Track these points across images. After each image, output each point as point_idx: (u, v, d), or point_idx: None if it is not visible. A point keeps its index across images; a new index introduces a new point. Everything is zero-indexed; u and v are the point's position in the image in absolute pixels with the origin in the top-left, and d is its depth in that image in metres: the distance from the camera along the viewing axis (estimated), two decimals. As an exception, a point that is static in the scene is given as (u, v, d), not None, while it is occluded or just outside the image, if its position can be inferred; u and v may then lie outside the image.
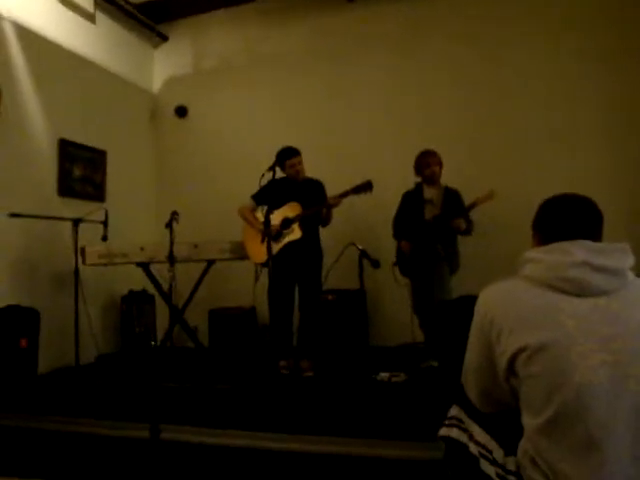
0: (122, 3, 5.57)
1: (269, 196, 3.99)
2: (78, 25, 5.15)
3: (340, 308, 4.68)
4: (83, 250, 4.35)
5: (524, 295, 1.35)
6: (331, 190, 4.09)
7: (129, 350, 5.00)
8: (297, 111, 5.54)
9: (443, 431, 1.54)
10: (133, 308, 5.10)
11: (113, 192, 5.35)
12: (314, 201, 4.02)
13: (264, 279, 4.01)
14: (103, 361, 4.74)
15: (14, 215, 3.97)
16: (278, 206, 4.04)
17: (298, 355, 3.98)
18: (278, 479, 2.59)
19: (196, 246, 4.66)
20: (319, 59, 5.51)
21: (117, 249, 4.49)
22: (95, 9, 5.32)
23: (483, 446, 1.43)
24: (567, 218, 1.41)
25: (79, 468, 2.80)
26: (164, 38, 6.20)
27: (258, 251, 3.98)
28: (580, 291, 1.29)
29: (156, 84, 6.25)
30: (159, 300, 5.03)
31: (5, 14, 4.35)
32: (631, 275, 1.33)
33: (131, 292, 5.15)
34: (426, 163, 4.08)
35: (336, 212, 4.12)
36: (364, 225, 5.04)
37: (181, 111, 6.05)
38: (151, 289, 4.97)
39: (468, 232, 4.02)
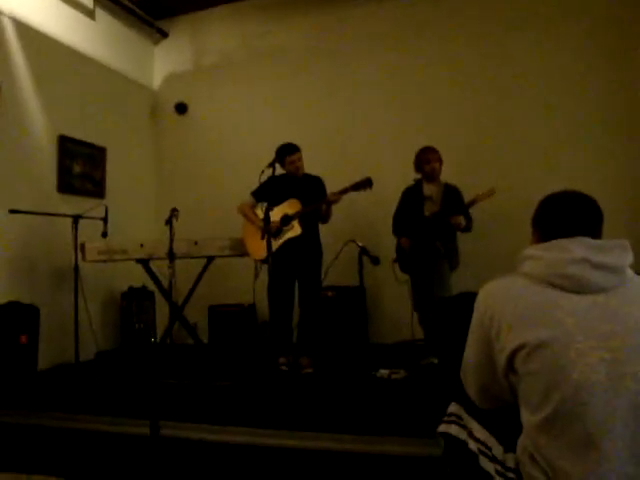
0: (122, -1, 5.57)
1: (269, 193, 4.00)
2: (78, 21, 5.14)
3: (340, 305, 4.69)
4: (83, 246, 4.35)
5: (523, 292, 1.35)
6: (331, 187, 4.09)
7: (129, 347, 5.00)
8: (297, 108, 5.53)
9: (442, 428, 1.54)
10: (133, 305, 5.10)
11: (113, 189, 5.34)
12: (314, 198, 4.02)
13: (264, 276, 4.01)
14: (103, 357, 4.75)
15: (14, 211, 3.98)
16: (278, 203, 4.04)
17: (298, 352, 3.98)
18: (277, 475, 2.60)
19: (196, 243, 4.66)
20: (319, 56, 5.50)
21: (117, 245, 4.49)
22: (95, 5, 5.32)
23: (482, 443, 1.43)
24: (567, 215, 1.41)
25: (79, 464, 2.80)
26: (164, 34, 6.19)
27: (258, 248, 3.98)
28: (579, 288, 1.29)
29: (156, 80, 6.25)
30: (159, 297, 5.03)
31: (5, 10, 4.34)
32: (630, 272, 1.33)
33: (131, 289, 5.15)
34: (426, 160, 4.08)
35: (336, 209, 4.12)
36: (364, 222, 5.04)
37: (181, 108, 6.05)
38: (151, 286, 4.97)
39: (468, 229, 4.02)
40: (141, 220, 5.70)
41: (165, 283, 4.41)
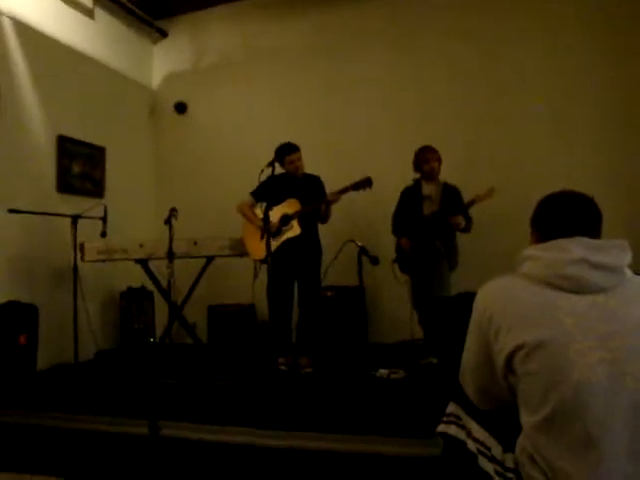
0: (121, -1, 5.57)
1: (268, 192, 4.00)
2: (77, 21, 5.14)
3: (339, 305, 4.69)
4: (82, 246, 4.35)
5: (522, 293, 1.35)
6: (330, 186, 4.09)
7: (128, 346, 5.00)
8: (296, 107, 5.54)
9: (441, 428, 1.54)
10: (132, 304, 5.10)
11: (112, 188, 5.34)
12: (313, 197, 4.02)
13: (263, 276, 4.01)
14: (102, 357, 4.74)
15: (13, 211, 3.97)
16: (277, 202, 4.04)
17: (297, 352, 3.98)
18: (277, 476, 2.60)
19: (195, 242, 4.65)
20: (318, 55, 5.50)
21: (116, 245, 4.49)
22: (94, 5, 5.32)
23: (481, 443, 1.43)
24: (565, 215, 1.40)
25: (78, 464, 2.80)
26: (163, 34, 6.18)
27: (257, 247, 3.98)
28: (578, 288, 1.29)
29: (155, 80, 6.24)
30: (158, 296, 5.03)
31: (4, 10, 4.34)
32: (629, 272, 1.33)
33: (130, 288, 5.15)
34: (425, 159, 4.08)
35: (335, 209, 4.12)
36: (363, 222, 5.04)
37: (180, 107, 6.04)
38: (150, 285, 4.97)
39: (467, 229, 4.02)
40: (140, 220, 5.70)
41: (164, 283, 4.40)
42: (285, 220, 4.02)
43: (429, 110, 5.09)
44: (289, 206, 4.03)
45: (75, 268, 4.21)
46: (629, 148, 4.48)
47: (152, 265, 4.68)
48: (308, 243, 4.05)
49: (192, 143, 5.96)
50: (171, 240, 4.14)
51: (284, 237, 4.02)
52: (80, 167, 5.03)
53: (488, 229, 4.41)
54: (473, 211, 3.99)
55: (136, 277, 5.02)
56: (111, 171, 5.36)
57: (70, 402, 3.36)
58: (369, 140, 5.25)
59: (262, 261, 4.02)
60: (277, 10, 5.67)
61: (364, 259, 3.89)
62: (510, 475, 1.34)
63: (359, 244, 3.92)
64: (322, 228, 4.20)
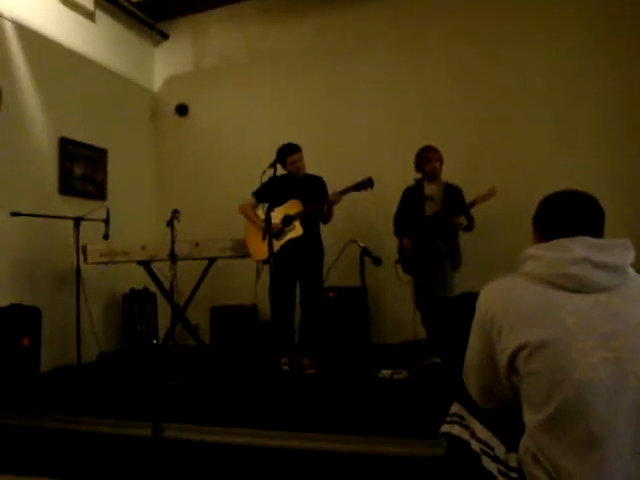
0: (122, 1, 5.57)
1: (270, 193, 3.99)
2: (78, 24, 5.15)
3: (341, 305, 4.69)
4: (84, 248, 4.35)
5: (524, 292, 1.35)
6: (331, 187, 4.10)
7: (131, 348, 5.01)
8: (297, 109, 5.54)
9: (444, 428, 1.54)
10: (135, 306, 5.11)
11: (114, 190, 5.35)
12: (315, 198, 4.02)
13: (265, 277, 4.01)
14: (105, 359, 4.74)
15: (15, 214, 3.98)
16: (279, 203, 4.04)
17: (299, 352, 3.97)
18: (280, 477, 2.60)
19: (197, 244, 4.66)
20: (319, 57, 5.50)
21: (118, 247, 4.49)
22: (95, 7, 5.32)
23: (485, 443, 1.43)
24: (568, 214, 1.40)
25: (81, 466, 2.81)
26: (164, 36, 6.19)
27: (259, 248, 3.98)
28: (580, 288, 1.29)
29: (156, 82, 6.25)
30: (161, 298, 5.03)
31: (5, 13, 4.35)
32: (632, 271, 1.33)
33: (132, 290, 5.16)
34: (427, 159, 4.08)
35: (337, 209, 4.12)
36: (365, 222, 5.04)
37: (182, 109, 6.05)
38: (152, 287, 4.97)
39: (469, 229, 4.02)
40: (142, 222, 5.70)
41: (167, 285, 4.41)
42: (287, 221, 4.02)
43: (431, 112, 5.08)
44: (291, 207, 4.03)
45: (78, 270, 4.22)
46: (631, 150, 4.47)
47: (154, 267, 4.68)
48: (310, 244, 4.06)
49: (193, 145, 5.97)
50: (173, 242, 4.14)
51: (286, 238, 4.03)
52: (82, 169, 5.04)
53: (491, 229, 4.41)
54: (475, 211, 3.99)
55: (138, 279, 5.03)
56: (113, 173, 5.37)
57: (73, 404, 3.37)
58: (371, 142, 5.25)
59: (264, 262, 4.03)
60: (278, 12, 5.67)
61: (366, 260, 3.89)
62: (513, 475, 1.34)
63: (361, 245, 3.92)
64: (324, 229, 4.21)
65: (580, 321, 1.25)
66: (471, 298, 1.57)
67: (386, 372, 3.66)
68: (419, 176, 4.19)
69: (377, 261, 3.87)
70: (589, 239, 1.34)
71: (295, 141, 4.12)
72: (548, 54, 4.79)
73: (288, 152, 4.03)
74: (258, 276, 4.13)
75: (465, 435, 1.48)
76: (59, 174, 4.81)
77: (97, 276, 4.83)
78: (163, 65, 6.24)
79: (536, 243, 1.46)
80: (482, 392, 1.48)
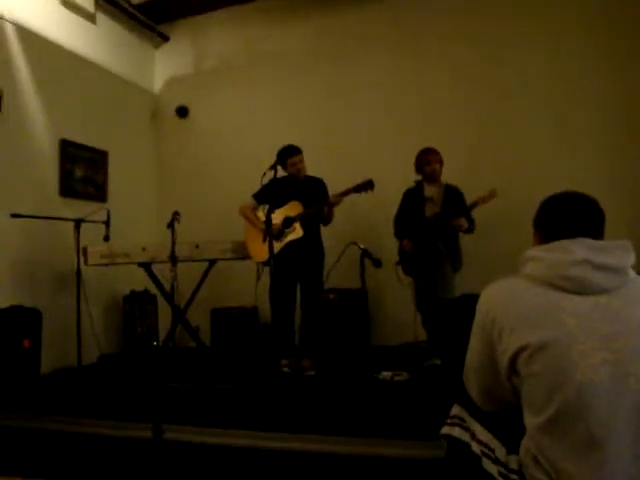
0: (123, 3, 5.58)
1: (270, 195, 3.99)
2: (79, 26, 5.15)
3: (342, 307, 4.69)
4: (85, 250, 4.35)
5: (525, 294, 1.35)
6: (332, 189, 4.10)
7: (131, 350, 5.00)
8: (298, 111, 5.54)
9: (445, 430, 1.54)
10: (135, 308, 5.10)
11: (115, 192, 5.35)
12: (316, 200, 4.02)
13: (266, 278, 4.01)
14: (105, 361, 4.74)
15: (16, 216, 3.98)
16: (279, 205, 4.04)
17: (300, 354, 3.97)
18: (280, 479, 2.59)
19: (198, 246, 4.66)
20: (319, 59, 5.51)
21: (119, 249, 4.49)
22: (96, 10, 5.32)
23: (485, 445, 1.43)
24: (568, 216, 1.40)
25: (82, 468, 2.81)
26: (165, 38, 6.20)
27: (260, 250, 3.98)
28: (581, 289, 1.29)
29: (157, 84, 6.26)
30: (161, 300, 5.03)
31: (6, 15, 4.36)
32: (632, 273, 1.33)
33: (133, 292, 5.16)
34: (427, 161, 4.08)
35: (337, 211, 4.12)
36: (365, 224, 5.04)
37: (182, 111, 6.05)
38: (153, 289, 4.98)
39: (470, 230, 4.02)
40: (143, 224, 5.71)
41: (167, 286, 4.40)
42: (287, 222, 4.02)
43: (431, 114, 5.09)
44: (291, 208, 4.03)
45: (78, 272, 4.23)
46: (631, 152, 4.47)
47: (155, 269, 4.68)
48: (310, 245, 4.06)
49: (194, 147, 5.97)
50: (174, 244, 4.14)
51: (287, 239, 4.03)
52: (83, 171, 5.05)
53: (491, 230, 4.41)
54: (476, 213, 3.99)
55: (139, 281, 5.03)
56: (113, 175, 5.37)
57: (73, 406, 3.37)
58: (371, 143, 5.25)
59: (265, 263, 4.03)
60: (279, 14, 5.68)
61: (367, 261, 3.88)
62: (514, 477, 1.34)
63: (361, 246, 3.91)
64: (324, 230, 4.21)
65: (581, 322, 1.25)
66: (472, 300, 1.57)
67: (386, 374, 3.66)
68: (419, 178, 4.19)
69: (377, 263, 3.87)
70: (590, 241, 1.34)
71: (296, 142, 4.12)
72: (548, 56, 4.79)
73: (289, 154, 4.03)
74: (258, 278, 4.13)
75: (466, 437, 1.48)
76: (60, 176, 4.81)
77: (97, 278, 4.83)
78: (163, 67, 6.24)
79: (537, 245, 1.46)
80: (483, 394, 1.48)
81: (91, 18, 5.30)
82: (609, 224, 1.43)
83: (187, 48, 6.14)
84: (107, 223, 4.25)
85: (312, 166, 4.19)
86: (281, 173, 3.91)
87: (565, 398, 1.21)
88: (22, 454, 2.98)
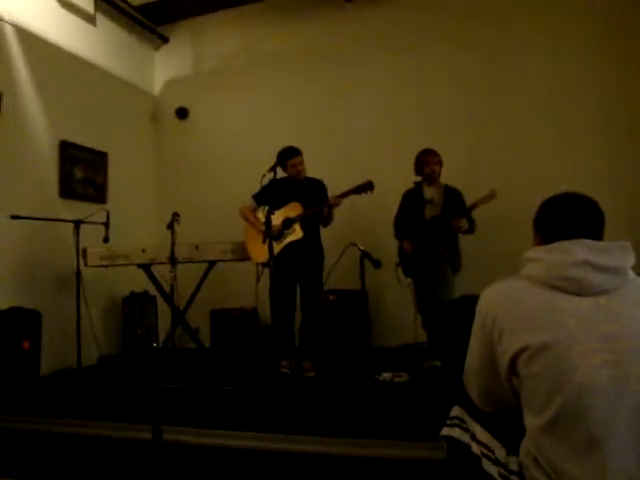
0: (122, 5, 5.58)
1: (270, 196, 3.99)
2: (78, 27, 5.16)
3: (342, 308, 4.69)
4: (85, 252, 4.35)
5: (525, 295, 1.35)
6: (332, 190, 4.10)
7: (131, 351, 5.00)
8: (297, 111, 5.54)
9: (445, 431, 1.54)
10: (135, 309, 5.10)
11: (114, 194, 5.35)
12: (315, 201, 4.02)
13: (265, 279, 4.00)
14: (105, 363, 4.74)
15: (15, 217, 3.98)
16: (279, 206, 4.04)
17: (300, 355, 3.98)
18: (280, 480, 2.60)
19: (197, 247, 4.66)
20: (319, 60, 5.51)
21: (119, 250, 4.49)
22: (95, 11, 5.33)
23: (485, 446, 1.43)
24: (568, 217, 1.40)
25: (81, 470, 2.80)
26: (164, 40, 6.20)
27: (259, 251, 3.97)
28: (580, 290, 1.29)
29: (157, 86, 6.26)
30: (161, 301, 5.03)
31: (6, 16, 4.36)
32: (632, 274, 1.33)
33: (133, 293, 5.16)
34: (426, 162, 4.08)
35: (337, 212, 4.12)
36: (365, 225, 5.04)
37: (182, 112, 6.06)
38: (153, 290, 4.97)
39: (471, 231, 4.02)
40: (143, 225, 5.71)
41: (167, 288, 4.40)
42: (287, 223, 4.02)
43: (431, 114, 5.09)
44: (291, 210, 4.03)
45: (78, 273, 4.23)
46: (631, 152, 4.48)
47: (155, 270, 4.68)
48: (310, 247, 4.05)
49: (193, 148, 5.97)
50: (173, 245, 4.14)
51: (286, 241, 4.02)
52: (82, 172, 5.05)
53: (491, 231, 4.41)
54: (476, 214, 3.99)
55: (139, 282, 5.02)
56: (113, 176, 5.37)
57: (73, 407, 3.36)
58: (371, 144, 5.26)
59: (264, 265, 4.03)
60: (278, 15, 5.68)
61: (366, 262, 3.88)
62: (514, 478, 1.34)
63: (361, 247, 3.91)
64: (324, 232, 4.21)
65: (581, 323, 1.25)
66: (471, 301, 1.57)
67: (387, 375, 3.66)
68: (418, 179, 4.19)
69: (377, 264, 3.87)
70: (589, 242, 1.34)
71: (295, 143, 4.12)
72: (548, 57, 4.80)
73: (288, 155, 4.03)
74: (258, 279, 4.13)
75: (466, 438, 1.48)
76: (59, 177, 4.82)
77: (97, 279, 4.83)
78: (163, 68, 6.25)
79: (536, 245, 1.46)
80: (483, 395, 1.47)
81: (91, 19, 5.30)
82: (609, 225, 1.43)
83: (187, 49, 6.14)
84: (107, 224, 4.25)
85: (312, 167, 4.19)
86: (281, 174, 3.90)
87: (565, 399, 1.21)
88: (22, 456, 2.98)
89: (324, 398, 3.30)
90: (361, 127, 5.31)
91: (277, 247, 3.94)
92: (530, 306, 1.32)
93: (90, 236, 4.29)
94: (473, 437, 1.46)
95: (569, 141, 4.67)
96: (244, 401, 3.31)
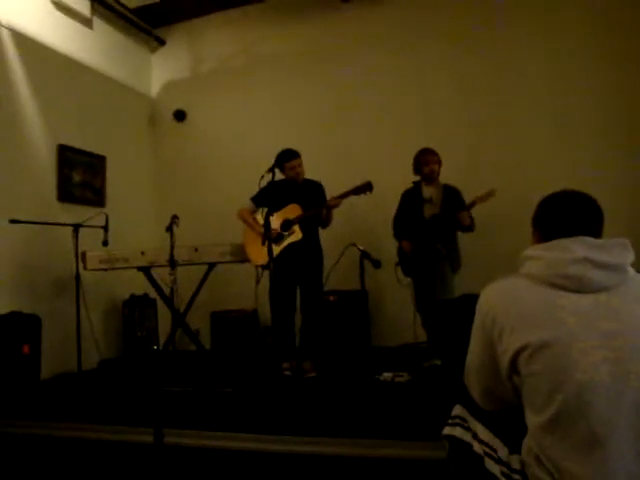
0: (119, 8, 5.58)
1: (269, 198, 3.99)
2: (75, 30, 5.15)
3: (342, 309, 4.69)
4: (84, 255, 4.34)
5: (525, 293, 1.34)
6: (331, 191, 4.10)
7: (131, 355, 5.00)
8: (296, 112, 5.54)
9: (447, 430, 1.53)
10: (135, 312, 5.10)
11: (113, 197, 5.35)
12: (314, 203, 4.02)
13: (265, 281, 4.00)
14: (105, 366, 4.74)
15: (14, 221, 3.97)
16: (278, 208, 4.04)
17: (300, 356, 3.97)
18: (282, 481, 2.59)
19: (197, 249, 4.66)
20: (318, 60, 5.51)
21: (118, 254, 4.48)
22: (92, 14, 5.33)
23: (487, 445, 1.43)
24: (567, 215, 1.40)
25: (83, 474, 2.80)
26: (161, 42, 6.20)
27: (259, 253, 3.97)
28: (580, 287, 1.29)
29: (154, 88, 6.26)
30: (161, 304, 5.02)
31: (2, 21, 4.35)
32: (632, 271, 1.33)
33: (132, 296, 5.15)
34: (425, 161, 4.08)
35: (336, 213, 4.12)
36: (364, 226, 5.04)
37: (179, 115, 6.06)
38: (152, 293, 4.96)
39: (470, 229, 4.01)
40: (142, 228, 5.70)
41: (167, 290, 4.40)
42: (286, 225, 4.02)
43: (431, 114, 5.09)
44: (290, 211, 4.03)
45: (77, 277, 4.22)
46: (630, 152, 4.48)
47: (154, 272, 4.68)
48: (309, 248, 4.05)
49: (192, 150, 5.97)
50: (172, 247, 4.14)
51: (286, 242, 4.02)
52: (81, 176, 5.04)
53: (490, 230, 4.42)
54: (475, 212, 3.99)
55: (138, 285, 5.02)
56: (111, 179, 5.37)
57: (74, 411, 3.36)
58: (371, 144, 5.26)
59: (264, 267, 4.02)
60: (276, 16, 5.68)
61: (366, 263, 3.88)
62: (516, 477, 1.34)
63: (361, 248, 3.91)
64: (323, 233, 4.20)
65: (581, 320, 1.25)
66: (471, 300, 1.56)
67: (387, 375, 3.66)
68: (417, 178, 4.19)
69: (377, 264, 3.87)
70: (589, 239, 1.34)
71: (294, 144, 4.12)
72: (548, 56, 4.80)
73: (287, 158, 4.02)
74: (258, 281, 4.13)
75: (467, 437, 1.47)
76: (58, 181, 4.81)
77: (97, 282, 4.83)
78: (160, 71, 6.25)
79: (535, 243, 1.45)
80: (484, 394, 1.47)
81: (87, 23, 5.30)
82: (608, 224, 1.43)
83: (184, 52, 6.14)
84: (106, 228, 4.25)
85: (312, 167, 4.19)
86: (279, 176, 3.90)
87: (566, 397, 1.21)
88: (23, 461, 2.97)
89: (325, 399, 3.30)
90: (360, 127, 5.32)
91: (276, 249, 3.94)
92: (530, 304, 1.32)
93: (89, 240, 4.29)
94: (475, 436, 1.46)
95: (569, 141, 4.67)
96: (245, 403, 3.31)
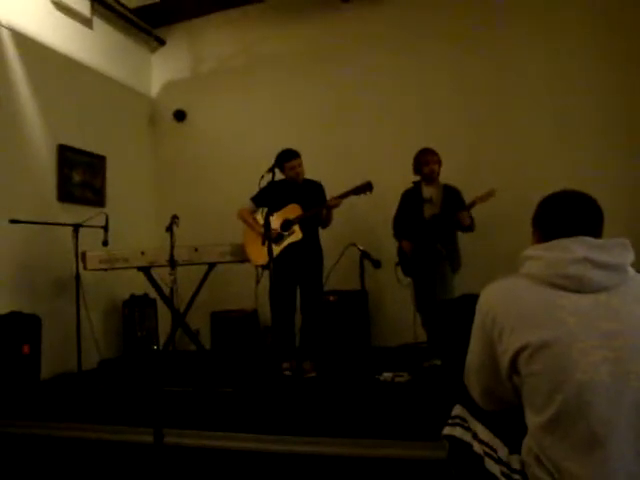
0: (119, 8, 5.58)
1: (269, 198, 3.99)
2: (75, 30, 5.15)
3: (342, 309, 4.69)
4: (84, 255, 4.34)
5: (525, 293, 1.34)
6: (331, 191, 4.09)
7: (131, 355, 5.00)
8: (296, 112, 5.54)
9: (447, 430, 1.53)
10: (135, 312, 5.10)
11: (113, 197, 5.35)
12: (314, 203, 4.02)
13: (265, 281, 4.00)
14: (105, 366, 4.74)
15: (14, 221, 3.97)
16: (278, 208, 4.04)
17: (301, 356, 3.97)
18: (282, 481, 2.59)
19: (197, 249, 4.66)
20: (318, 60, 5.51)
21: (118, 254, 4.48)
22: (92, 14, 5.33)
23: (487, 445, 1.43)
24: (567, 214, 1.40)
25: (83, 474, 2.79)
26: (161, 42, 6.20)
27: (259, 253, 3.97)
28: (580, 287, 1.29)
29: (154, 88, 6.26)
30: (161, 304, 5.02)
31: (2, 21, 4.35)
32: (631, 271, 1.33)
33: (132, 296, 5.15)
34: (425, 161, 4.08)
35: (336, 213, 4.12)
36: (364, 226, 5.04)
37: (180, 115, 6.06)
38: (152, 293, 4.96)
39: (470, 229, 4.01)
40: (142, 228, 5.70)
41: (167, 290, 4.40)
42: (286, 225, 4.02)
43: (431, 114, 5.09)
44: (290, 211, 4.03)
45: (77, 277, 4.22)
46: (630, 151, 4.48)
47: (154, 272, 4.68)
48: (309, 248, 4.05)
49: (192, 150, 5.97)
50: (172, 247, 4.14)
51: (286, 242, 4.02)
52: (81, 176, 5.04)
53: (491, 230, 4.42)
54: (475, 212, 3.99)
55: (138, 285, 5.02)
56: (111, 179, 5.37)
57: (74, 411, 3.36)
58: (371, 144, 5.26)
59: (264, 267, 4.02)
60: (276, 16, 5.68)
61: (366, 263, 3.88)
62: (516, 477, 1.34)
63: (361, 248, 3.91)
64: (323, 233, 4.20)
65: (581, 320, 1.25)
66: (471, 300, 1.56)
67: (387, 375, 3.66)
68: (417, 178, 4.19)
69: (377, 264, 3.87)
70: (589, 239, 1.34)
71: (294, 144, 4.12)
72: (548, 56, 4.80)
73: (287, 158, 4.02)
74: (258, 281, 4.13)
75: (467, 437, 1.47)
76: (58, 181, 4.81)
77: (97, 282, 4.83)
78: (160, 71, 6.25)
79: (535, 243, 1.45)
80: (484, 394, 1.47)
81: (87, 23, 5.30)
82: (608, 224, 1.43)
83: (184, 52, 6.14)
84: (106, 228, 4.25)
85: (312, 167, 4.19)
86: (279, 176, 3.90)
87: (566, 397, 1.21)
88: (23, 461, 2.97)
89: (325, 399, 3.30)
90: (361, 127, 5.31)
91: (276, 249, 3.94)
92: (530, 304, 1.32)
93: (89, 240, 4.29)
94: (475, 436, 1.45)
95: (569, 141, 4.67)
96: (245, 403, 3.31)
